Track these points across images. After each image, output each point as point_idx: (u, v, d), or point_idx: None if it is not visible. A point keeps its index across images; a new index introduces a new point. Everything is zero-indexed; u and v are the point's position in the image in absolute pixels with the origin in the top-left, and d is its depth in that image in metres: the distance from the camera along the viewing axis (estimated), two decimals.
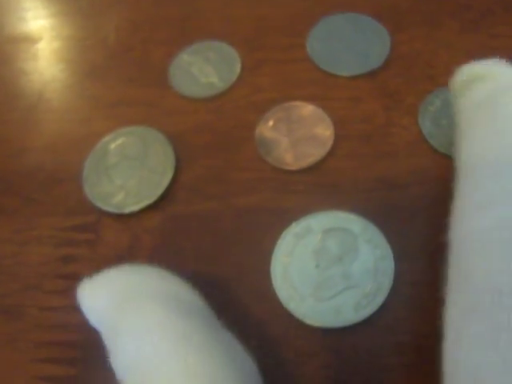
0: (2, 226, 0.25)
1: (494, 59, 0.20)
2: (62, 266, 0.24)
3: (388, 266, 0.22)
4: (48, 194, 0.26)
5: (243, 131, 0.26)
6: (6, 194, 0.26)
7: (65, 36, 0.32)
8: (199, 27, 0.30)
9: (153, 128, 0.26)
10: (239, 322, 0.18)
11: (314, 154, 0.25)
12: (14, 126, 0.28)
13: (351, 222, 0.23)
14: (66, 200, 0.25)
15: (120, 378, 0.16)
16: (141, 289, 0.17)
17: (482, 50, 0.28)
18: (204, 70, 0.28)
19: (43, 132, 0.28)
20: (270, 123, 0.26)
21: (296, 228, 0.23)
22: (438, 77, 0.27)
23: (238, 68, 0.28)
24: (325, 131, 0.26)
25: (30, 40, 0.32)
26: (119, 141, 0.26)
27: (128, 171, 0.25)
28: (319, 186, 0.24)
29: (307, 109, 0.26)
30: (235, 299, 0.22)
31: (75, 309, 0.22)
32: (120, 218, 0.24)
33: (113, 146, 0.26)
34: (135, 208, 0.24)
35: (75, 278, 0.23)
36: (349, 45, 0.28)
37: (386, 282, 0.21)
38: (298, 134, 0.26)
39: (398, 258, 0.22)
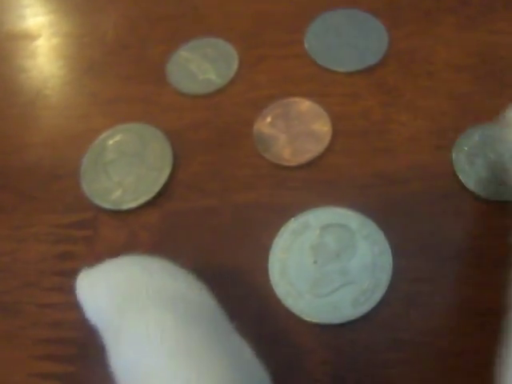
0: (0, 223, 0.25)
1: None
2: (60, 263, 0.24)
3: (386, 262, 0.22)
4: (46, 191, 0.26)
5: (241, 128, 0.26)
6: (4, 190, 0.26)
7: (63, 33, 0.32)
8: (197, 24, 0.30)
9: (151, 125, 0.26)
10: (237, 318, 0.18)
11: (311, 150, 0.25)
12: (12, 122, 0.28)
13: (349, 218, 0.23)
14: (64, 196, 0.25)
15: (118, 379, 0.16)
16: (143, 287, 0.16)
17: (480, 46, 0.28)
18: (202, 66, 0.28)
19: (42, 128, 0.28)
20: (268, 119, 0.26)
21: (294, 224, 0.23)
22: (436, 73, 0.27)
23: (235, 64, 0.28)
24: (322, 127, 0.26)
25: (28, 37, 0.32)
26: (117, 137, 0.26)
27: (126, 168, 0.25)
28: (317, 182, 0.24)
29: (305, 105, 0.26)
30: (233, 295, 0.22)
31: (73, 306, 0.22)
32: (118, 214, 0.24)
33: (111, 142, 0.26)
34: (133, 205, 0.24)
35: (73, 275, 0.23)
36: (347, 41, 0.28)
37: (384, 278, 0.21)
38: (296, 130, 0.26)
39: (396, 254, 0.22)
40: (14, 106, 0.29)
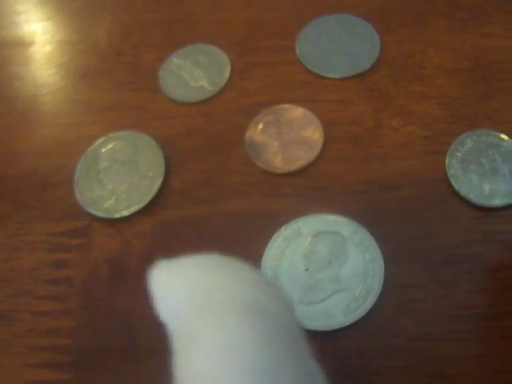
0: None
1: None
2: (54, 271, 0.24)
3: (378, 268, 0.22)
4: (40, 199, 0.26)
5: (233, 135, 0.26)
6: None
7: (57, 40, 0.32)
8: (189, 30, 0.30)
9: (143, 132, 0.27)
10: None
11: (303, 157, 0.25)
12: (6, 130, 0.28)
13: (341, 224, 0.23)
14: (57, 205, 0.25)
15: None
16: (225, 295, 0.15)
17: (472, 49, 0.28)
18: (194, 73, 0.28)
19: (35, 136, 0.28)
20: (260, 126, 0.26)
21: (285, 231, 0.23)
22: (428, 78, 0.27)
23: (227, 71, 0.28)
24: (314, 134, 0.26)
25: (22, 44, 0.32)
26: (110, 145, 0.26)
27: (119, 176, 0.25)
28: (308, 189, 0.24)
29: (297, 111, 0.26)
30: None
31: (67, 314, 0.23)
32: (111, 222, 0.24)
33: (104, 150, 0.26)
34: (126, 213, 0.24)
35: (67, 283, 0.23)
36: (338, 46, 0.28)
37: (376, 285, 0.21)
38: (288, 137, 0.26)
39: (388, 260, 0.22)
40: (7, 113, 0.29)
